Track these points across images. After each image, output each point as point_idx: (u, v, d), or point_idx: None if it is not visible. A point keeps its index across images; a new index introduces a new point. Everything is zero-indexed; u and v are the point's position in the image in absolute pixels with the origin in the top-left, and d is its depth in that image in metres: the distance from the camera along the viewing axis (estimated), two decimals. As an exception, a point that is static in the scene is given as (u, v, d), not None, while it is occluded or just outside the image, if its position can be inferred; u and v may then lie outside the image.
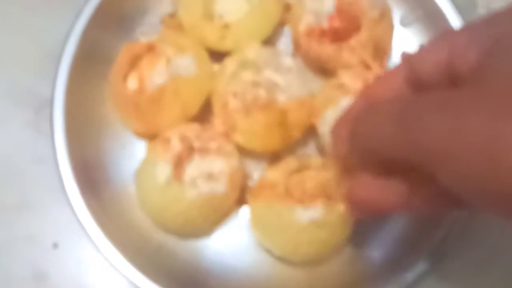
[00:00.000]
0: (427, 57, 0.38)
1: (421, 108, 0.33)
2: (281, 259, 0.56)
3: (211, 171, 0.54)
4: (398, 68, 0.40)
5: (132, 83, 0.56)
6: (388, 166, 0.38)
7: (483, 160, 0.28)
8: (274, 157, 0.58)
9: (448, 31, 0.38)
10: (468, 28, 0.36)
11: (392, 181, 0.39)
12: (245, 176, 0.58)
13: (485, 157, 0.28)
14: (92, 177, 0.57)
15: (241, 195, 0.57)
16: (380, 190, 0.40)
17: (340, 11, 0.57)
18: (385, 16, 0.58)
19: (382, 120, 0.35)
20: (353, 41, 0.57)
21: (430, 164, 0.32)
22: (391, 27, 0.59)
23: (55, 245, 0.58)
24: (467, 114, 0.30)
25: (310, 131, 0.57)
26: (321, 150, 0.59)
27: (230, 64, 0.56)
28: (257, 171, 0.58)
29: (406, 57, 0.40)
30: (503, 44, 0.32)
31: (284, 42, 0.62)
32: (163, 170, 0.53)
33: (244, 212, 0.58)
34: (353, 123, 0.40)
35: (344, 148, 0.42)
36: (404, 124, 0.33)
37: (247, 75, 0.55)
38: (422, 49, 0.39)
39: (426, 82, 0.38)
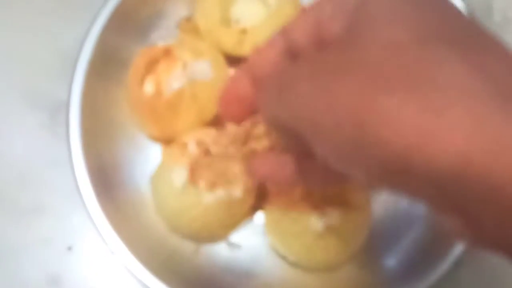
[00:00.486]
0: (298, 26, 0.38)
1: (292, 76, 0.33)
2: (296, 265, 0.56)
3: (227, 176, 0.54)
4: (274, 39, 0.40)
5: (148, 87, 0.56)
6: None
7: (351, 132, 0.28)
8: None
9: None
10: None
11: (283, 156, 0.41)
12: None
13: (353, 129, 0.28)
14: (108, 181, 0.57)
15: (257, 201, 0.57)
16: (274, 165, 0.42)
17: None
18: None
19: (268, 96, 0.35)
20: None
21: (306, 136, 0.31)
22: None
23: (70, 248, 0.58)
24: (335, 84, 0.29)
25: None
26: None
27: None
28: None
29: (281, 28, 0.39)
30: (364, 10, 0.32)
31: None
32: (179, 175, 0.53)
33: (259, 217, 0.58)
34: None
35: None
36: (281, 95, 0.33)
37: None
38: (295, 18, 0.39)
39: (301, 51, 0.37)
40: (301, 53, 0.37)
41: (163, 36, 0.61)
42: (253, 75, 0.40)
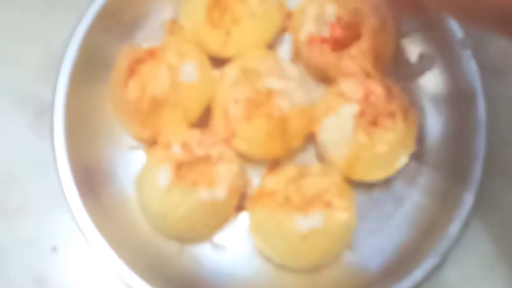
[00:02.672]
0: None
1: None
2: (281, 266, 0.56)
3: (211, 177, 0.54)
4: None
5: (133, 88, 0.56)
6: None
7: None
8: (273, 165, 0.58)
9: None
10: None
11: None
12: (245, 183, 0.58)
13: None
14: (92, 182, 0.57)
15: (241, 202, 0.57)
16: None
17: (341, 19, 0.58)
18: (386, 25, 0.59)
19: None
20: (354, 49, 0.57)
21: None
22: (392, 36, 0.60)
23: (54, 249, 0.58)
24: None
25: (310, 139, 0.58)
26: (320, 158, 0.59)
27: (231, 71, 0.57)
28: (257, 178, 0.58)
29: None
30: None
31: (286, 49, 0.62)
32: (164, 176, 0.53)
33: (244, 218, 0.58)
34: None
35: None
36: None
37: (249, 82, 0.55)
38: None
39: None
40: None
41: (148, 37, 0.62)
42: None
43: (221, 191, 0.54)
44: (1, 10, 0.64)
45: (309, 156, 0.60)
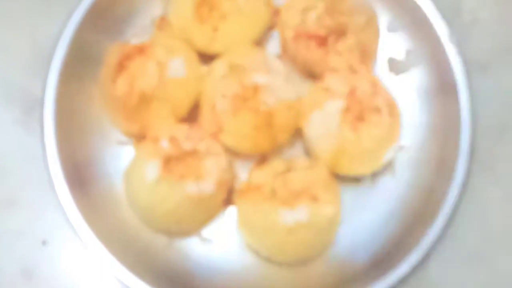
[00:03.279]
0: None
1: None
2: (268, 259, 0.57)
3: (199, 170, 0.55)
4: None
5: (121, 83, 0.56)
6: None
7: None
8: (261, 159, 0.58)
9: None
10: None
11: None
12: (233, 177, 0.58)
13: None
14: (82, 176, 0.58)
15: (229, 196, 0.58)
16: None
17: (327, 16, 0.58)
18: (371, 21, 0.59)
19: None
20: (340, 46, 0.58)
21: None
22: (377, 33, 0.60)
23: (44, 242, 0.58)
24: None
25: (297, 134, 0.58)
26: (307, 152, 0.59)
27: (219, 66, 0.57)
28: (244, 172, 0.59)
29: None
30: None
31: (273, 46, 0.62)
32: (152, 170, 0.54)
33: (232, 212, 0.58)
34: None
35: None
36: None
37: (236, 78, 0.56)
38: None
39: None
40: None
41: (137, 33, 0.62)
42: None
43: (208, 185, 0.54)
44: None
45: (296, 150, 0.60)
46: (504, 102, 0.62)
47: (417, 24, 0.61)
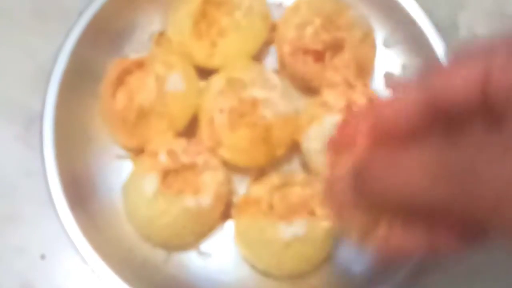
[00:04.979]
0: (455, 80, 0.31)
1: (468, 159, 0.29)
2: (265, 273, 0.57)
3: (197, 184, 0.55)
4: (408, 88, 0.33)
5: (121, 98, 0.57)
6: (405, 209, 0.34)
7: None
8: (258, 173, 0.59)
9: (481, 45, 0.31)
10: (504, 43, 0.30)
11: (413, 227, 0.35)
12: (231, 191, 0.59)
13: None
14: (81, 191, 0.58)
15: (226, 210, 0.58)
16: (403, 237, 0.36)
17: (324, 31, 0.59)
18: (368, 36, 0.60)
19: (413, 172, 0.31)
20: (337, 61, 0.58)
21: (481, 213, 0.30)
22: (374, 47, 0.61)
23: (43, 257, 0.58)
24: None
25: (294, 148, 0.59)
26: (304, 167, 0.60)
27: (217, 81, 0.58)
28: (241, 187, 0.59)
29: (421, 74, 0.33)
30: None
31: (271, 60, 0.63)
32: (150, 183, 0.54)
33: (230, 227, 0.58)
34: (361, 165, 0.35)
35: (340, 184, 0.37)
36: (452, 179, 0.30)
37: (233, 92, 0.56)
38: (447, 69, 0.32)
39: (451, 110, 0.31)
40: (457, 116, 0.31)
41: (136, 49, 0.63)
42: (377, 125, 0.35)
43: (206, 199, 0.55)
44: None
45: (294, 165, 0.60)
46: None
47: (414, 39, 0.61)
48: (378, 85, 0.63)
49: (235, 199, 0.59)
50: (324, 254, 0.57)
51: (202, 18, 0.59)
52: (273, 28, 0.62)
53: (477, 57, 0.30)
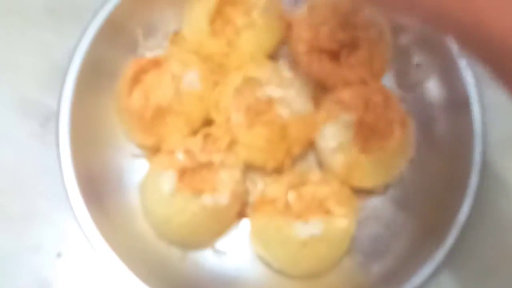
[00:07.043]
0: None
1: None
2: (280, 272, 0.57)
3: (214, 183, 0.55)
4: None
5: (137, 96, 0.57)
6: None
7: None
8: (274, 172, 0.59)
9: None
10: None
11: None
12: (247, 190, 0.59)
13: None
14: (96, 188, 0.58)
15: (243, 209, 0.58)
16: None
17: (340, 30, 0.59)
18: (383, 35, 0.60)
19: None
20: (352, 59, 0.58)
21: None
22: (388, 46, 0.61)
23: (59, 255, 0.59)
24: None
25: (310, 146, 0.59)
26: (320, 165, 0.60)
27: (233, 79, 0.58)
28: (258, 185, 0.59)
29: None
30: None
31: (287, 59, 0.63)
32: (167, 182, 0.54)
33: (245, 225, 0.59)
34: None
35: None
36: None
37: (250, 91, 0.57)
38: None
39: None
40: None
41: (151, 47, 0.63)
42: None
43: (223, 197, 0.55)
44: (5, 19, 0.65)
45: (309, 163, 0.60)
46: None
47: (428, 38, 0.61)
48: (393, 83, 0.63)
49: (251, 198, 0.59)
50: (340, 253, 0.57)
51: (218, 17, 0.60)
52: (288, 27, 0.62)
53: None
